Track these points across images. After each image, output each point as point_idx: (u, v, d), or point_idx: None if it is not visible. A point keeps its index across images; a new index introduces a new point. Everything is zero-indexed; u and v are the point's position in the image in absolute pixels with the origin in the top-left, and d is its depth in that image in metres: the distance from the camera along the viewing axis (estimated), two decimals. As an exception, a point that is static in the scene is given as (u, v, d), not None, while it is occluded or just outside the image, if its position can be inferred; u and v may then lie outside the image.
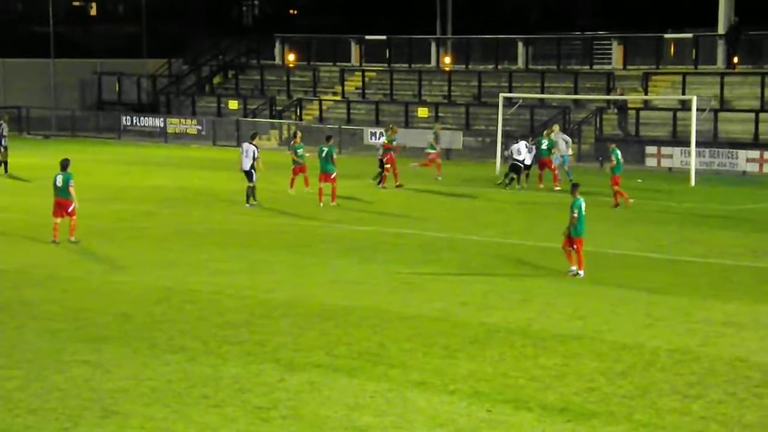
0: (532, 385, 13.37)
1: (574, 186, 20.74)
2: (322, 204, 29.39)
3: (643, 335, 15.85)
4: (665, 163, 41.26)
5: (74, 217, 23.27)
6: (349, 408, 12.43)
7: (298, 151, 31.86)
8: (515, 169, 34.19)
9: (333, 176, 29.62)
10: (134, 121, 55.42)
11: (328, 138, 31.24)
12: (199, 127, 53.21)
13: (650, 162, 41.65)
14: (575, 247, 20.12)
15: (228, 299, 18.10)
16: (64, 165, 23.39)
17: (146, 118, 55.46)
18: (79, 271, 20.50)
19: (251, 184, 29.09)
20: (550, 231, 25.97)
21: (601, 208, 30.61)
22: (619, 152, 30.47)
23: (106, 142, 53.06)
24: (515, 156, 34.33)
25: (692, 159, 36.91)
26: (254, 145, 29.33)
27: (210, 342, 15.23)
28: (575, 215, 19.98)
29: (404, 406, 12.53)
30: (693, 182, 36.22)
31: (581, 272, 20.06)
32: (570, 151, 37.20)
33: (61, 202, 23.24)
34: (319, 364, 14.14)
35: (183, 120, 54.39)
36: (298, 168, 31.89)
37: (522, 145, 34.56)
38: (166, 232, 25.41)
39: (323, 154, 29.89)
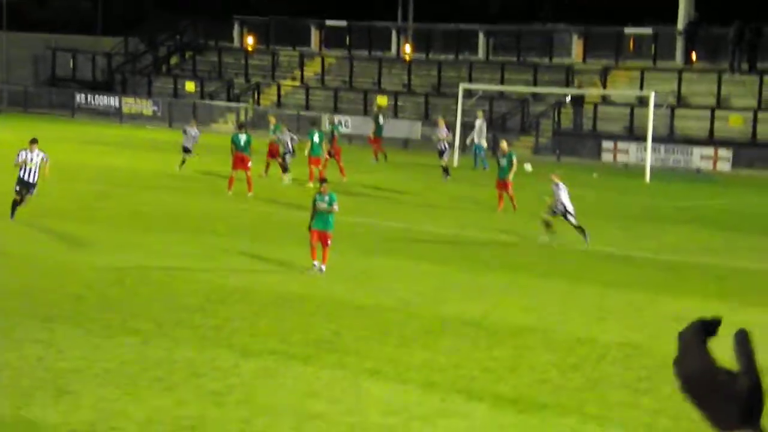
0: (485, 376, 13.46)
1: (323, 181, 19.67)
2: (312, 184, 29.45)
3: (594, 329, 16.03)
4: (621, 158, 41.72)
5: None
6: (303, 395, 12.43)
7: (335, 132, 33.18)
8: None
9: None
10: (89, 99, 54.77)
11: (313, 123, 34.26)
12: (155, 108, 52.73)
13: (606, 157, 42.11)
14: (328, 242, 18.85)
15: (182, 283, 17.99)
16: None
17: (101, 96, 54.84)
18: (30, 249, 20.24)
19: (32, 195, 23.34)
20: (505, 224, 26.17)
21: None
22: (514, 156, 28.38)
23: (59, 119, 52.36)
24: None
25: (647, 155, 37.33)
26: (41, 151, 23.52)
27: (164, 325, 15.14)
28: (317, 210, 18.80)
29: (358, 394, 12.56)
30: (648, 178, 36.67)
31: (323, 267, 18.89)
32: (484, 142, 38.05)
33: None
34: (274, 351, 14.11)
35: (138, 100, 53.85)
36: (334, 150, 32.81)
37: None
38: (119, 213, 25.18)
39: (317, 138, 31.68)
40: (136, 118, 52.36)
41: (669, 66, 45.88)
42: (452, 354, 14.36)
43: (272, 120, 34.74)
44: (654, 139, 37.70)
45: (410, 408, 12.13)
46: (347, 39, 54.47)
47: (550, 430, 11.68)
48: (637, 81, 44.93)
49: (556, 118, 45.12)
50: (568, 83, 46.23)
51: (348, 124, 47.43)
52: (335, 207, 18.83)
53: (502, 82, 47.21)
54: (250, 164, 28.86)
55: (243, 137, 29.12)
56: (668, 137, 40.93)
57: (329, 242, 18.83)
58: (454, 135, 40.22)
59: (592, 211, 29.25)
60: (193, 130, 34.00)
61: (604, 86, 45.79)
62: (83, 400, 11.80)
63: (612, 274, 20.37)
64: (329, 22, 55.56)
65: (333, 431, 11.31)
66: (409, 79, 50.48)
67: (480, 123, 39.15)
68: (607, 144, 42.28)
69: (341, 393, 12.57)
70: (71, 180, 30.33)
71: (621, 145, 41.88)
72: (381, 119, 40.42)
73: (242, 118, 47.67)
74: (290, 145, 32.39)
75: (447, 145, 34.94)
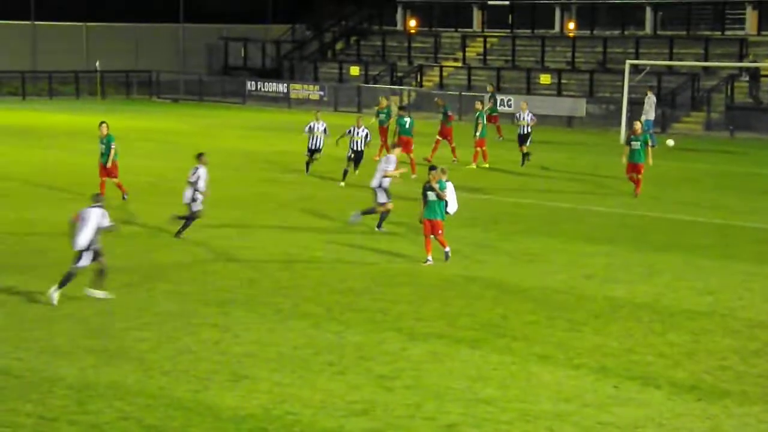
0: (661, 361, 13.04)
1: (432, 168, 18.60)
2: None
3: (777, 313, 15.29)
4: (801, 132, 39.76)
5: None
6: (471, 380, 12.35)
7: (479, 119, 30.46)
8: None
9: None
10: (258, 86, 56.18)
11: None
12: (321, 93, 53.58)
13: (786, 131, 40.19)
14: (438, 231, 18.16)
15: (349, 266, 18.19)
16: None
17: (270, 83, 56.15)
18: (203, 235, 20.82)
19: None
20: (677, 202, 25.29)
21: (732, 179, 29.69)
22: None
23: (231, 106, 53.95)
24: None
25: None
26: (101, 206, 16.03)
27: (333, 309, 15.33)
28: (427, 199, 18.11)
29: (528, 380, 12.38)
30: (832, 153, 34.76)
31: (446, 250, 18.25)
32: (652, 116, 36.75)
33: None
34: (441, 335, 14.09)
35: (305, 86, 54.85)
36: (481, 141, 30.59)
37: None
38: (288, 198, 25.65)
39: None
40: (304, 103, 53.37)
41: None
42: (625, 338, 13.98)
43: (384, 103, 32.98)
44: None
45: (583, 395, 11.87)
46: (510, 18, 53.85)
47: (732, 419, 11.19)
48: (818, 50, 42.65)
49: (729, 93, 43.28)
50: (741, 56, 44.26)
51: (510, 103, 46.91)
52: (445, 194, 18.19)
53: (671, 57, 45.63)
54: (412, 146, 28.97)
55: (408, 120, 29.28)
56: None
57: (441, 231, 18.17)
58: (620, 112, 39.20)
59: (771, 188, 27.95)
60: (320, 125, 28.67)
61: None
62: (258, 385, 12.06)
63: (794, 254, 19.37)
64: (491, 2, 55.05)
65: (503, 417, 11.18)
66: (573, 56, 49.47)
67: (650, 99, 38.20)
68: (786, 117, 40.36)
69: (511, 378, 12.42)
70: (242, 166, 31.15)
71: (801, 118, 39.90)
72: (495, 97, 39.95)
73: (405, 101, 47.86)
74: (359, 143, 27.62)
75: (528, 129, 31.15)
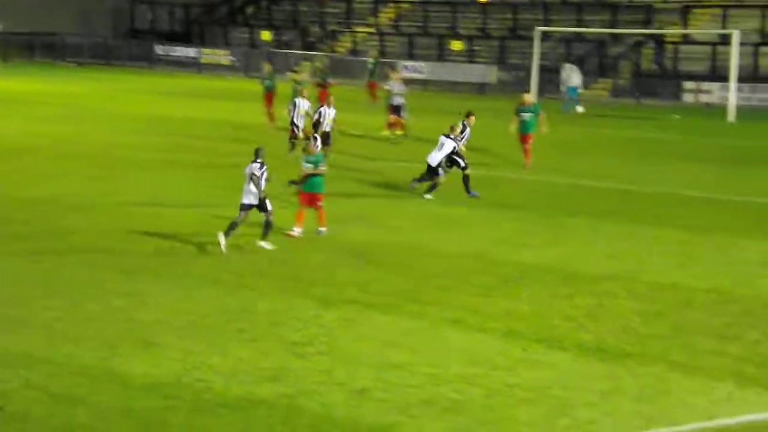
0: (567, 324, 13.34)
1: (312, 138, 18.59)
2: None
3: (679, 275, 15.74)
4: (703, 98, 40.80)
5: None
6: (383, 345, 12.46)
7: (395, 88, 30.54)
8: None
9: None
10: (167, 51, 55.23)
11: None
12: (233, 58, 52.98)
13: (687, 97, 41.21)
14: (318, 204, 17.85)
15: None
16: None
17: (179, 47, 55.26)
18: (114, 200, 20.52)
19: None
20: (586, 169, 25.77)
21: (637, 145, 30.34)
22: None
23: (139, 71, 52.98)
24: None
25: (731, 94, 36.36)
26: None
27: (245, 276, 15.28)
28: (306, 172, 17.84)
29: (439, 344, 12.55)
30: (732, 118, 35.74)
31: (322, 229, 17.81)
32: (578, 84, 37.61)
33: None
34: (354, 301, 14.16)
35: (216, 50, 54.15)
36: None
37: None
38: (198, 165, 25.38)
39: None
40: (215, 68, 52.72)
41: (753, 2, 44.41)
42: (533, 302, 14.25)
43: (267, 67, 33.07)
44: (738, 79, 36.68)
45: (492, 358, 12.09)
46: (422, -17, 53.89)
47: (634, 379, 11.53)
48: (720, 19, 43.63)
49: (636, 60, 44.13)
50: (647, 23, 45.10)
51: (423, 69, 47.08)
52: (321, 168, 17.87)
53: (579, 23, 46.26)
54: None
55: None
56: (753, 75, 39.79)
57: (320, 203, 17.86)
58: (530, 79, 39.62)
59: (674, 153, 28.67)
60: (304, 102, 25.91)
61: (685, 25, 44.56)
62: (168, 352, 11.98)
63: (696, 218, 19.96)
64: (403, -33, 54.98)
65: (414, 381, 11.33)
66: (485, 23, 49.77)
67: (568, 66, 39.01)
68: (688, 84, 41.32)
69: (422, 343, 12.58)
70: (150, 132, 30.68)
71: (703, 85, 40.89)
72: (377, 64, 39.56)
73: (318, 66, 47.54)
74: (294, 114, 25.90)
75: (401, 100, 30.24)
